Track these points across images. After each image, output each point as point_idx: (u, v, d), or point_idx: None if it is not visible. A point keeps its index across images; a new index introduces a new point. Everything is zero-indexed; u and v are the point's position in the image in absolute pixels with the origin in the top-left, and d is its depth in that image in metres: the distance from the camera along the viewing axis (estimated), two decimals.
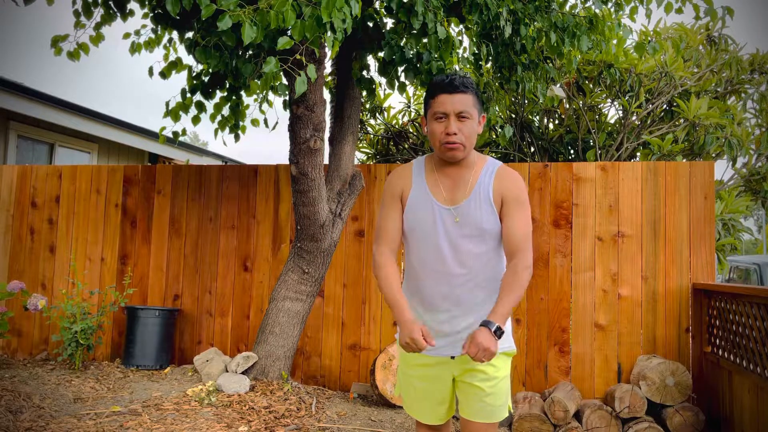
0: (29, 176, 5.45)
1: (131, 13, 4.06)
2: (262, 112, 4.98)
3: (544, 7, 4.28)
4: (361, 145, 7.27)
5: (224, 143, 4.93)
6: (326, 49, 3.90)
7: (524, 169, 4.65)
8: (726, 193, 5.93)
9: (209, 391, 3.91)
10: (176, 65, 4.45)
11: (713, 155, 6.13)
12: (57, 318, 4.70)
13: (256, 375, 4.19)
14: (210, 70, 4.42)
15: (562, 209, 4.56)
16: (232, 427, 3.42)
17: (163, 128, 4.74)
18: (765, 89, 6.37)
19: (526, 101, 6.50)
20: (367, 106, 6.94)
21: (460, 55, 4.39)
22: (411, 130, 6.99)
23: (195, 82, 4.50)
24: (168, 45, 4.45)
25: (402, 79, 4.33)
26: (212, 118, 4.74)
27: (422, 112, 2.38)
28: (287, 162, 4.36)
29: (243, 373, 4.16)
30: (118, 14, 3.98)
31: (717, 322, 4.00)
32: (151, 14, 4.03)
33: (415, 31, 3.91)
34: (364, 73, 4.43)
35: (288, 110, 4.22)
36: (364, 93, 4.59)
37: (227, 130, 4.83)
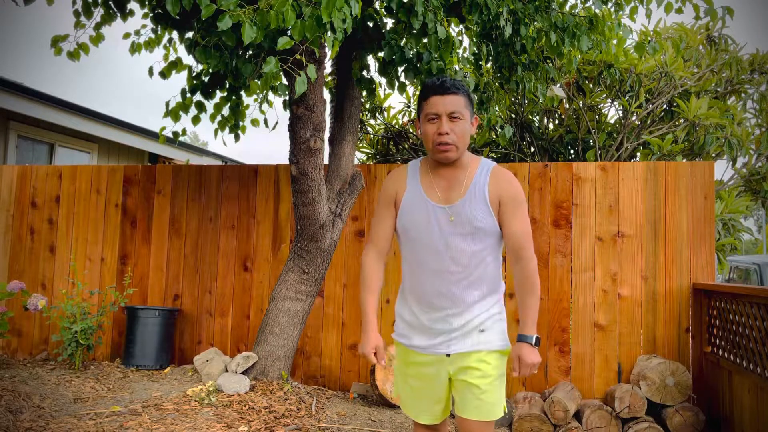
0: (29, 176, 5.45)
1: (131, 13, 4.06)
2: (262, 112, 4.98)
3: (544, 7, 4.28)
4: (361, 145, 7.27)
5: (224, 143, 4.93)
6: (326, 49, 3.90)
7: (524, 169, 4.65)
8: (726, 193, 5.93)
9: (209, 391, 3.91)
10: (176, 65, 4.45)
11: (713, 155, 6.13)
12: (57, 318, 4.70)
13: (256, 375, 4.19)
14: (210, 70, 4.43)
15: (562, 209, 4.56)
16: (232, 427, 3.42)
17: (163, 128, 4.75)
18: (765, 89, 6.37)
19: (526, 101, 6.50)
20: (367, 106, 6.94)
21: (460, 55, 4.39)
22: (411, 130, 6.99)
23: (195, 82, 4.50)
24: (168, 45, 4.45)
25: (402, 79, 4.33)
26: (212, 118, 4.74)
27: None
28: (287, 162, 4.37)
29: (243, 373, 4.16)
30: (118, 14, 3.98)
31: (717, 322, 4.00)
32: (151, 14, 4.03)
33: (415, 31, 3.91)
34: (364, 73, 4.44)
35: (288, 110, 4.22)
36: (364, 93, 4.59)
37: (227, 130, 4.83)
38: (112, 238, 5.27)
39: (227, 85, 4.54)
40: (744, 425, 3.52)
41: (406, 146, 7.04)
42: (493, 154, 6.92)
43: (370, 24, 4.24)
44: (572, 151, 6.67)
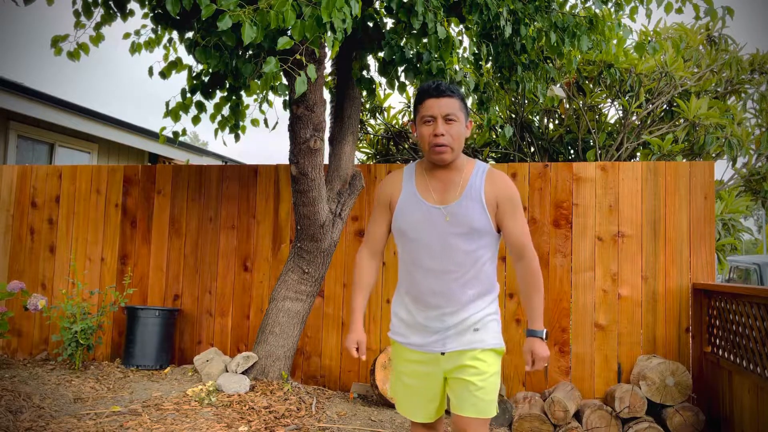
0: (29, 176, 5.45)
1: (131, 13, 4.06)
2: (262, 112, 4.98)
3: (544, 7, 4.28)
4: (361, 145, 7.28)
5: (224, 143, 4.93)
6: (326, 49, 3.90)
7: (524, 169, 4.65)
8: (726, 193, 5.93)
9: (209, 391, 3.91)
10: (176, 65, 4.45)
11: (713, 155, 6.13)
12: (57, 318, 4.70)
13: (256, 375, 4.19)
14: (210, 70, 4.43)
15: (562, 209, 4.56)
16: (232, 427, 3.42)
17: (163, 128, 4.75)
18: (765, 89, 6.37)
19: (526, 101, 6.50)
20: (367, 106, 6.94)
21: (460, 55, 4.39)
22: (411, 130, 6.99)
23: (195, 82, 4.50)
24: (168, 45, 4.45)
25: (402, 79, 4.33)
26: (212, 118, 4.74)
27: None
28: (287, 162, 4.37)
29: (243, 373, 4.16)
30: (118, 14, 3.98)
31: (717, 322, 4.00)
32: (151, 14, 4.03)
33: (415, 31, 3.91)
34: (364, 73, 4.44)
35: (288, 110, 4.22)
36: (364, 93, 4.59)
37: (227, 130, 4.83)
38: (112, 238, 5.27)
39: (227, 85, 4.54)
40: (744, 425, 3.52)
41: (406, 146, 7.04)
42: (493, 154, 6.92)
43: (370, 24, 4.24)
44: (572, 151, 6.67)
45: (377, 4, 4.30)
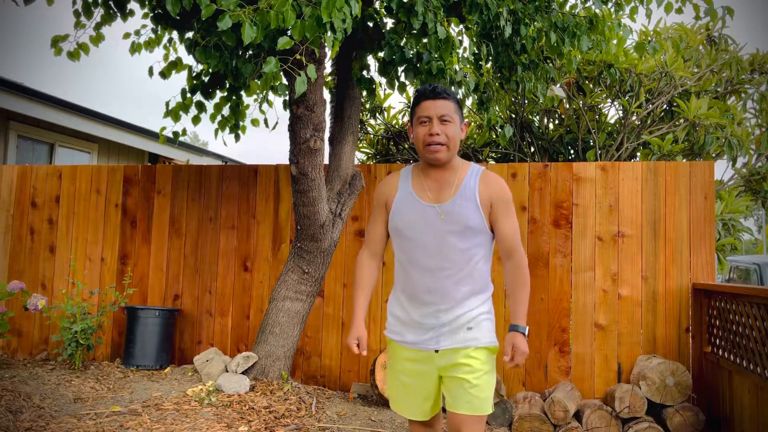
0: (29, 176, 5.45)
1: (131, 13, 4.06)
2: (262, 112, 4.98)
3: (544, 7, 4.28)
4: (361, 145, 7.28)
5: (224, 143, 4.93)
6: (326, 49, 3.90)
7: (524, 169, 4.65)
8: (726, 193, 5.93)
9: (209, 391, 3.91)
10: (176, 65, 4.45)
11: (713, 155, 6.13)
12: (57, 318, 4.70)
13: (256, 375, 4.19)
14: (210, 70, 4.42)
15: (562, 209, 4.56)
16: (232, 427, 3.42)
17: (164, 128, 4.75)
18: (765, 89, 6.37)
19: (526, 101, 6.50)
20: (367, 106, 6.94)
21: (460, 55, 4.39)
22: (408, 132, 6.98)
23: (195, 82, 4.50)
24: (168, 45, 4.45)
25: (402, 79, 4.33)
26: (212, 118, 4.74)
27: None
28: (287, 162, 4.36)
29: (243, 373, 4.16)
30: (118, 14, 3.98)
31: (717, 322, 4.00)
32: (151, 14, 4.03)
33: (415, 31, 3.91)
34: (364, 73, 4.43)
35: (288, 110, 4.22)
36: (364, 93, 4.59)
37: (227, 130, 4.83)
38: (112, 238, 5.27)
39: (227, 85, 4.54)
40: (744, 425, 3.52)
41: (406, 146, 7.04)
42: (493, 154, 6.92)
43: (370, 24, 4.24)
44: (572, 151, 6.67)
45: (377, 4, 4.30)
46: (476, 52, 4.58)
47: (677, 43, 4.90)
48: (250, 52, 4.00)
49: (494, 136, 6.79)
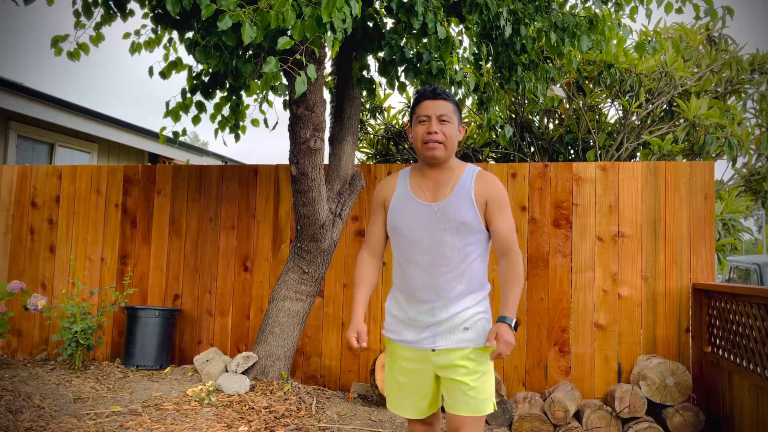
0: (29, 176, 5.45)
1: (131, 13, 4.06)
2: (262, 112, 4.98)
3: (544, 7, 4.28)
4: (361, 145, 7.28)
5: (224, 143, 4.93)
6: (326, 49, 3.90)
7: (524, 169, 4.65)
8: (726, 193, 5.93)
9: (209, 391, 3.91)
10: (176, 65, 4.45)
11: (713, 155, 6.13)
12: (57, 318, 4.70)
13: (256, 375, 4.19)
14: (210, 70, 4.42)
15: (562, 209, 4.56)
16: (232, 427, 3.42)
17: (164, 128, 4.75)
18: (765, 89, 6.37)
19: (526, 101, 6.50)
20: (367, 106, 6.94)
21: (460, 55, 4.39)
22: (408, 132, 6.98)
23: (195, 82, 4.50)
24: (168, 45, 4.45)
25: (402, 79, 4.33)
26: (212, 118, 4.74)
27: None
28: (287, 162, 4.36)
29: (243, 373, 4.16)
30: (118, 14, 3.98)
31: (717, 322, 4.00)
32: (151, 14, 4.03)
33: (415, 31, 3.91)
34: (364, 73, 4.43)
35: (288, 110, 4.22)
36: (364, 93, 4.59)
37: (227, 130, 4.83)
38: (112, 238, 5.27)
39: (227, 85, 4.54)
40: (744, 425, 3.52)
41: (406, 146, 7.04)
42: (493, 154, 6.92)
43: (370, 24, 4.24)
44: (572, 151, 6.67)
45: (377, 4, 4.30)
46: (476, 52, 4.58)
47: (677, 43, 4.90)
48: (250, 52, 4.00)
49: (494, 136, 6.79)
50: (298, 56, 3.26)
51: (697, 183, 4.41)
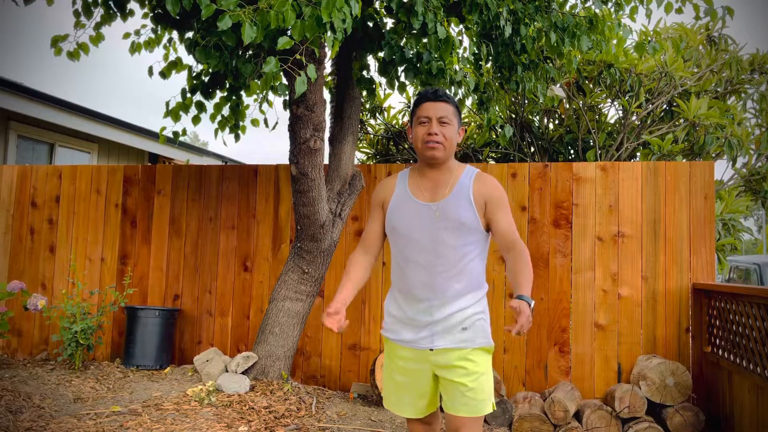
0: (29, 176, 5.45)
1: (131, 13, 4.06)
2: (262, 112, 4.98)
3: (544, 7, 4.27)
4: (361, 145, 7.27)
5: (224, 143, 4.93)
6: (326, 49, 3.90)
7: (524, 169, 4.65)
8: (726, 193, 5.93)
9: (209, 391, 3.91)
10: (176, 65, 4.45)
11: (713, 155, 6.13)
12: (57, 318, 4.70)
13: (256, 375, 4.19)
14: (210, 70, 4.42)
15: (562, 209, 4.56)
16: (232, 427, 3.42)
17: (164, 128, 4.74)
18: (765, 89, 6.37)
19: (526, 101, 6.50)
20: (367, 106, 6.94)
21: (460, 55, 4.39)
22: (407, 133, 6.98)
23: (195, 82, 4.50)
24: (168, 45, 4.45)
25: (402, 79, 4.33)
26: (212, 118, 4.74)
27: None
28: (287, 162, 4.36)
29: (243, 373, 4.16)
30: (118, 14, 3.98)
31: (717, 322, 4.00)
32: (151, 14, 4.03)
33: (415, 31, 3.91)
34: (364, 73, 4.43)
35: (288, 110, 4.22)
36: (364, 93, 4.59)
37: (227, 130, 4.83)
38: (112, 238, 5.27)
39: (227, 85, 4.54)
40: (744, 425, 3.52)
41: (406, 146, 7.04)
42: (493, 154, 6.92)
43: (370, 24, 4.24)
44: (572, 151, 6.67)
45: (377, 4, 4.30)
46: (476, 52, 4.58)
47: (677, 43, 4.90)
48: (250, 52, 3.99)
49: (494, 136, 6.79)
50: (298, 56, 3.26)
51: (697, 183, 4.41)
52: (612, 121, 6.59)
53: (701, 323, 4.24)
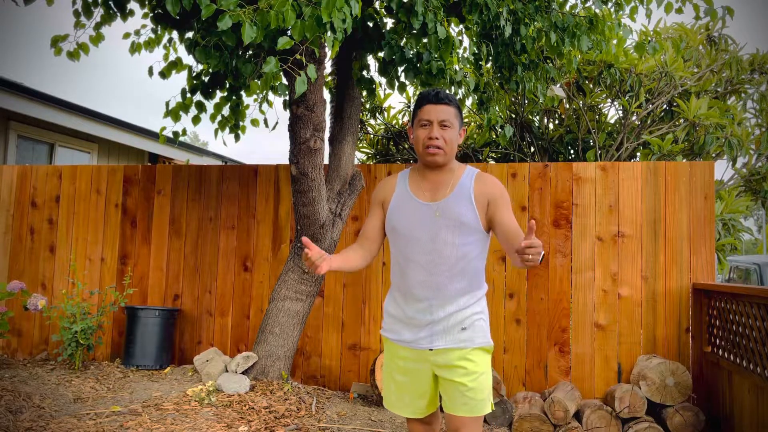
0: (29, 176, 5.45)
1: (131, 13, 4.06)
2: (262, 112, 4.98)
3: (544, 7, 4.28)
4: (361, 145, 7.27)
5: (224, 143, 4.93)
6: (326, 49, 3.90)
7: (524, 169, 4.65)
8: (726, 193, 5.93)
9: (209, 391, 3.91)
10: (176, 65, 4.45)
11: (713, 155, 6.13)
12: (57, 318, 4.70)
13: (256, 375, 4.19)
14: (210, 70, 4.42)
15: (562, 209, 4.56)
16: (232, 427, 3.42)
17: (164, 128, 4.75)
18: (765, 89, 6.37)
19: (526, 101, 6.50)
20: (367, 106, 6.94)
21: (460, 55, 4.39)
22: (408, 133, 6.98)
23: (195, 82, 4.50)
24: (168, 45, 4.45)
25: (402, 79, 4.33)
26: (212, 118, 4.74)
27: None
28: (287, 162, 4.36)
29: (243, 373, 4.16)
30: (118, 14, 3.98)
31: (717, 322, 4.00)
32: (151, 14, 4.03)
33: (415, 31, 3.91)
34: (364, 73, 4.43)
35: (288, 110, 4.22)
36: (364, 93, 4.59)
37: (227, 130, 4.83)
38: (112, 238, 5.27)
39: (227, 85, 4.54)
40: (744, 425, 3.52)
41: (406, 146, 7.04)
42: (493, 154, 6.92)
43: (370, 24, 4.24)
44: (572, 151, 6.67)
45: (377, 4, 4.30)
46: (476, 52, 4.58)
47: (677, 43, 4.90)
48: (250, 52, 3.99)
49: (494, 136, 6.79)
50: (298, 56, 3.26)
51: (697, 183, 4.41)
52: (612, 121, 6.59)
53: (701, 323, 4.24)
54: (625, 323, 4.40)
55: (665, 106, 6.31)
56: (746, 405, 3.50)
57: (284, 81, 3.71)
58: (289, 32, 3.40)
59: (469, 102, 6.04)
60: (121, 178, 5.31)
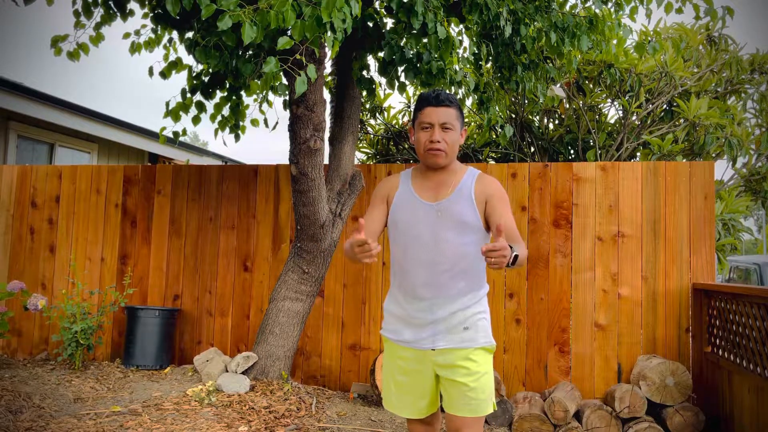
0: (29, 176, 5.45)
1: (131, 13, 4.06)
2: (262, 112, 4.98)
3: (544, 7, 4.27)
4: (361, 145, 7.27)
5: (224, 143, 4.93)
6: (326, 49, 3.90)
7: (524, 169, 4.65)
8: (726, 193, 5.93)
9: (209, 391, 3.91)
10: (176, 65, 4.45)
11: (713, 155, 6.13)
12: (57, 318, 4.70)
13: (256, 375, 4.19)
14: (210, 70, 4.42)
15: (562, 209, 4.56)
16: (232, 427, 3.42)
17: (164, 128, 4.75)
18: (765, 89, 6.37)
19: (526, 101, 6.50)
20: (367, 106, 6.94)
21: (460, 55, 4.39)
22: (409, 134, 6.97)
23: (195, 82, 4.50)
24: (168, 45, 4.45)
25: (402, 79, 4.33)
26: (212, 118, 4.74)
27: None
28: (287, 162, 4.36)
29: (243, 373, 4.16)
30: (118, 14, 3.98)
31: (717, 322, 4.00)
32: (151, 14, 4.03)
33: (415, 31, 3.91)
34: (364, 73, 4.43)
35: (288, 110, 4.22)
36: (364, 93, 4.59)
37: (227, 130, 4.83)
38: (112, 238, 5.27)
39: (227, 85, 4.54)
40: (744, 425, 3.52)
41: (406, 146, 7.04)
42: (493, 154, 6.92)
43: (370, 24, 4.24)
44: (572, 151, 6.67)
45: (377, 4, 4.30)
46: (476, 52, 4.58)
47: (677, 43, 4.90)
48: (250, 52, 3.99)
49: (494, 136, 6.79)
50: (298, 56, 3.26)
51: (697, 183, 4.41)
52: (612, 121, 6.59)
53: (701, 323, 4.24)
54: (625, 323, 4.39)
55: (665, 106, 6.31)
56: (746, 405, 3.50)
57: (284, 81, 3.71)
58: (289, 32, 3.40)
59: (469, 102, 6.05)
60: (121, 178, 5.31)
